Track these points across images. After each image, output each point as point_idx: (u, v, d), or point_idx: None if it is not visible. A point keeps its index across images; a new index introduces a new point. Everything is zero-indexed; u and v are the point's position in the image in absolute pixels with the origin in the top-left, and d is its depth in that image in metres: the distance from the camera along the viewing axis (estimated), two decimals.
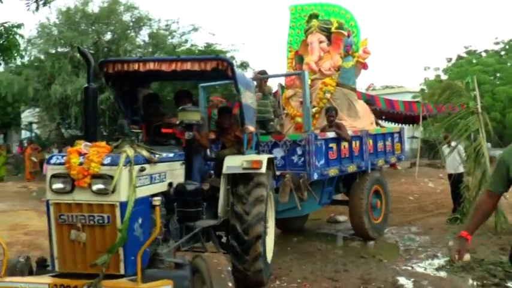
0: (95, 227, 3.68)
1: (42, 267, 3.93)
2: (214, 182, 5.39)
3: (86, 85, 4.24)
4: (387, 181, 8.96)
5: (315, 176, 6.77)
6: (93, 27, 17.86)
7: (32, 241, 7.65)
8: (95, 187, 3.66)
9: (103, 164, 3.67)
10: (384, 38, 71.92)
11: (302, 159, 6.77)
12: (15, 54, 8.81)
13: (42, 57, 18.41)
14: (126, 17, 18.50)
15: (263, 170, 5.14)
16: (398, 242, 7.91)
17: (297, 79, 8.23)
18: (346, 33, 8.36)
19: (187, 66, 4.98)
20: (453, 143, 9.51)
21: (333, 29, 8.35)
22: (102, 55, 16.50)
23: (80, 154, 3.75)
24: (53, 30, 17.73)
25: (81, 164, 3.67)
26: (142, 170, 3.92)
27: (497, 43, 28.70)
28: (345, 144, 7.45)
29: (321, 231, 9.00)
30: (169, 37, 19.24)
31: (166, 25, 19.19)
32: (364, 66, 8.62)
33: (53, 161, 3.83)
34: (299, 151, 6.81)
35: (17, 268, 3.86)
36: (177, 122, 4.99)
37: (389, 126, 18.25)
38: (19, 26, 8.20)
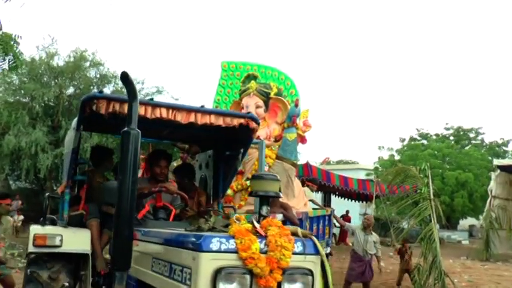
0: None
1: None
2: None
3: (125, 129, 2.76)
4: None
5: None
6: (56, 81, 17.69)
7: None
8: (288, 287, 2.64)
9: (294, 253, 2.73)
10: (340, 113, 74.79)
11: None
12: None
13: None
14: (91, 73, 18.51)
15: None
16: None
17: None
18: (286, 101, 7.66)
19: (210, 119, 3.95)
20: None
21: (271, 95, 7.64)
22: (63, 109, 16.38)
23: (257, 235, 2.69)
24: (13, 80, 17.44)
25: (264, 252, 2.63)
26: None
27: (447, 128, 30.32)
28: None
29: None
30: None
31: None
32: (303, 140, 7.79)
33: (213, 245, 2.60)
34: None
35: None
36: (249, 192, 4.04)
37: (343, 202, 18.78)
38: None
